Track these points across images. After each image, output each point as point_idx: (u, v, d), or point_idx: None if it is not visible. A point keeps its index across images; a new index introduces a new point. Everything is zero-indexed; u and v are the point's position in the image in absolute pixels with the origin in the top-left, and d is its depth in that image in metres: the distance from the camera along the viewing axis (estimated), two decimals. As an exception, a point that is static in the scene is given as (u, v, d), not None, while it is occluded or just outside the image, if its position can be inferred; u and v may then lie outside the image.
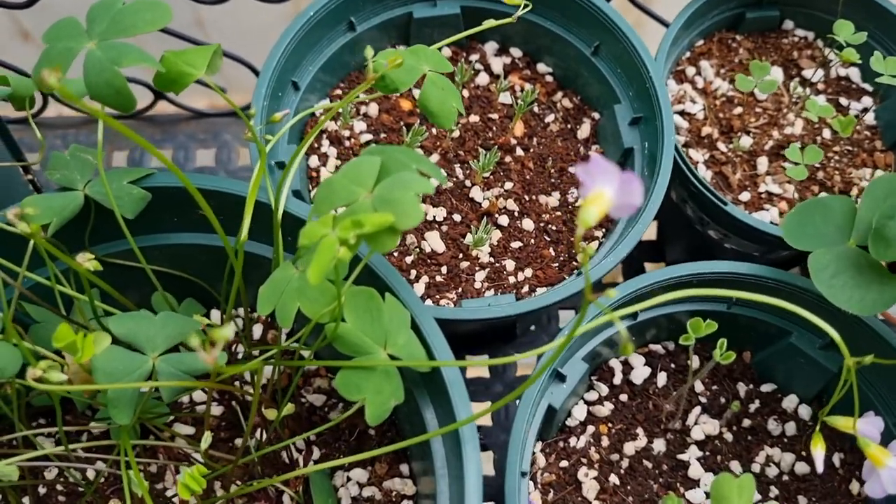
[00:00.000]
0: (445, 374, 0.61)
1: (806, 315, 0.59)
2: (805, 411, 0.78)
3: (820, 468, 0.63)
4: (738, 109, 0.90)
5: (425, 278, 0.78)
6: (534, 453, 0.76)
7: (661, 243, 1.03)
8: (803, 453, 0.77)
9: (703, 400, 0.78)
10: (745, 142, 0.88)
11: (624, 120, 0.81)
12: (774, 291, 0.72)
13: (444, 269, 0.78)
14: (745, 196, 0.86)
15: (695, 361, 0.79)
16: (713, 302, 0.76)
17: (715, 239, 0.88)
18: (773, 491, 0.76)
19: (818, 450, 0.64)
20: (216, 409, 0.77)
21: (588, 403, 0.78)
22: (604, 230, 0.81)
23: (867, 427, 0.64)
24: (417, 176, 0.52)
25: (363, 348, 0.59)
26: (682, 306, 0.75)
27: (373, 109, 0.86)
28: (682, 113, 0.90)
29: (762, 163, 0.87)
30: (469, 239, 0.79)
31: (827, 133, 0.90)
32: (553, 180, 0.83)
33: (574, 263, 0.79)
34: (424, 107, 0.65)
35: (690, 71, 0.92)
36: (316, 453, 0.75)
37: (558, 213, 0.82)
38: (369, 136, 0.84)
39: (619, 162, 0.82)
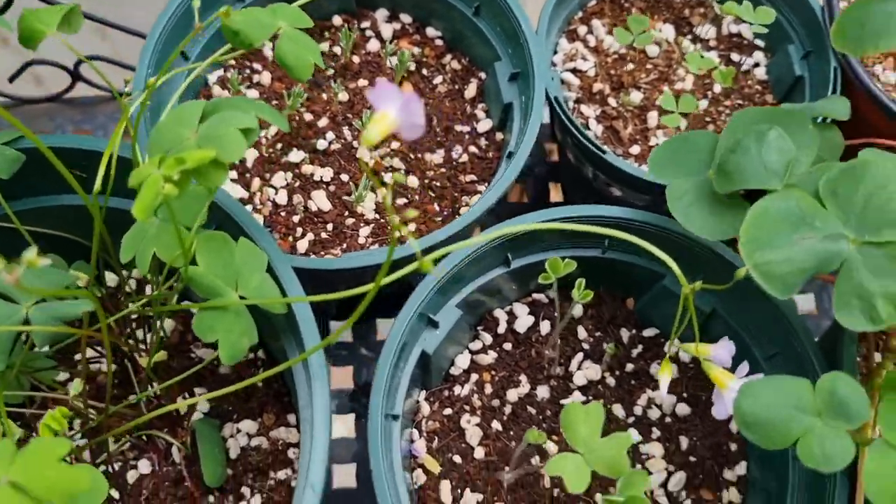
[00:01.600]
0: (297, 314, 0.63)
1: (650, 248, 0.61)
2: (685, 354, 0.80)
3: (664, 391, 0.65)
4: (630, 66, 0.92)
5: (310, 235, 0.80)
6: (418, 402, 0.78)
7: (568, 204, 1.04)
8: (684, 395, 0.78)
9: (586, 346, 0.80)
10: (636, 97, 0.89)
11: (504, 76, 0.83)
12: (644, 234, 0.74)
13: (329, 227, 0.80)
14: (635, 149, 0.88)
15: (577, 309, 0.81)
16: (588, 248, 0.77)
17: (617, 196, 0.90)
18: (656, 432, 0.77)
19: (664, 375, 0.65)
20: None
21: (472, 352, 0.79)
22: (486, 184, 0.83)
23: (720, 352, 0.66)
24: (240, 114, 0.54)
25: (216, 290, 0.61)
26: (557, 252, 0.77)
27: (266, 78, 0.88)
28: (573, 70, 0.92)
29: (652, 117, 0.89)
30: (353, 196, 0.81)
31: (718, 88, 0.92)
32: (439, 139, 0.85)
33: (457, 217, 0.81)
34: (281, 60, 0.67)
35: (582, 30, 0.94)
36: (205, 406, 0.77)
37: (443, 170, 0.83)
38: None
39: (501, 118, 0.84)
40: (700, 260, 0.73)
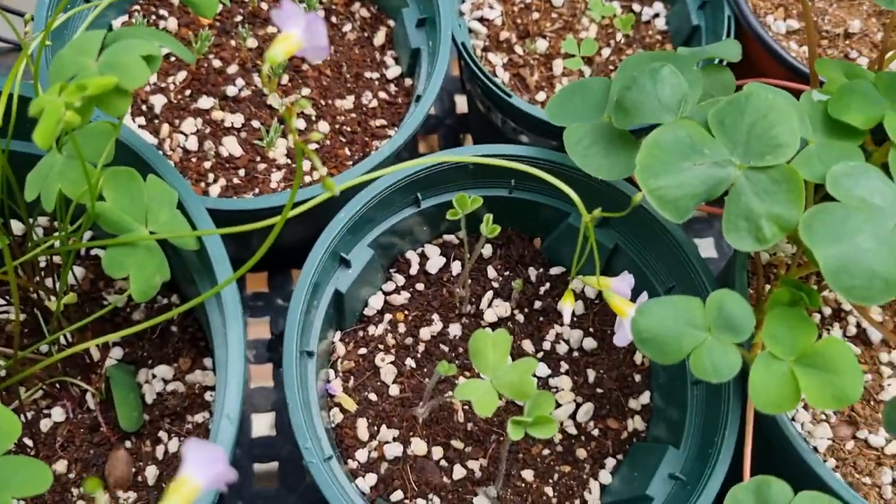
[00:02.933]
0: (210, 251, 0.64)
1: (551, 179, 0.63)
2: (591, 290, 0.83)
3: (566, 321, 0.68)
4: (535, 15, 0.94)
5: (222, 181, 0.80)
6: (333, 343, 0.79)
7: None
8: (591, 330, 0.82)
9: (496, 285, 0.82)
10: (541, 45, 0.92)
11: (411, 22, 0.85)
12: (547, 171, 0.76)
13: (241, 172, 0.81)
14: (541, 96, 0.90)
15: (486, 249, 0.83)
16: (495, 188, 0.79)
17: (526, 144, 0.92)
18: (564, 366, 0.80)
19: (566, 306, 0.68)
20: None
21: (385, 293, 0.81)
22: (396, 129, 0.84)
23: (619, 284, 0.69)
24: (143, 41, 0.54)
25: (125, 226, 0.61)
26: (465, 192, 0.78)
27: (172, 23, 0.87)
28: (480, 19, 0.93)
29: (557, 65, 0.92)
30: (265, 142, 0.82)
31: (620, 37, 0.95)
32: (349, 85, 0.86)
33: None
34: (186, -3, 0.67)
35: (489, -20, 0.96)
36: (118, 352, 0.76)
37: (353, 115, 0.84)
38: (165, 50, 0.85)
39: (410, 64, 0.85)
40: (601, 195, 0.76)
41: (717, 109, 0.61)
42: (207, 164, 0.80)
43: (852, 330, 0.81)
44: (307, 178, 0.81)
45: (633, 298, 0.68)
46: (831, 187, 0.58)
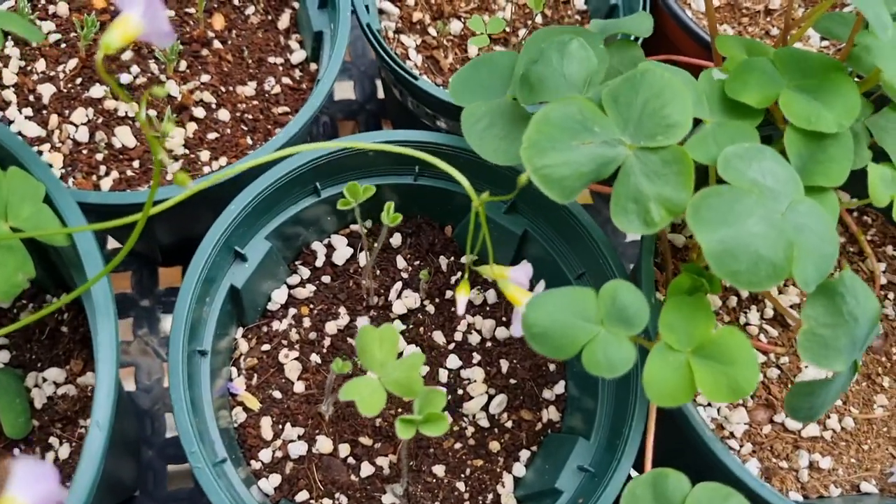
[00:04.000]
0: (79, 246, 0.60)
1: (439, 163, 0.60)
2: (504, 279, 0.80)
3: (461, 311, 0.65)
4: (449, -5, 0.91)
5: (115, 173, 0.77)
6: (235, 339, 0.76)
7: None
8: (503, 319, 0.79)
9: (405, 276, 0.79)
10: (455, 26, 0.89)
11: (313, 4, 0.81)
12: (450, 157, 0.73)
13: (135, 164, 0.77)
14: (455, 79, 0.87)
15: (396, 238, 0.80)
16: (400, 175, 0.77)
17: (444, 130, 0.89)
18: (476, 357, 0.78)
19: (461, 295, 0.66)
20: None
21: (290, 287, 0.78)
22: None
23: (517, 273, 0.66)
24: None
25: (-18, 223, 0.58)
26: (368, 180, 0.76)
27: (63, 9, 0.83)
28: (393, 0, 0.90)
29: (473, 47, 0.89)
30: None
31: (539, 19, 0.92)
32: (251, 71, 0.83)
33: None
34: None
35: (401, -41, 0.93)
36: (5, 356, 0.73)
37: (255, 102, 0.81)
38: (58, 36, 0.82)
39: (314, 47, 0.82)
40: (509, 181, 0.73)
41: (612, 87, 0.59)
42: (99, 156, 0.77)
43: (769, 313, 0.79)
44: (206, 169, 0.78)
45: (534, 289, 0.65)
46: (722, 170, 0.56)
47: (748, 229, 0.54)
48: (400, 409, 0.74)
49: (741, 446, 0.75)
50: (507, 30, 0.87)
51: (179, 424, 0.63)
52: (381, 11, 0.89)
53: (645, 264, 0.68)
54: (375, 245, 0.73)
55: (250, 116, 0.80)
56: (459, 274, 0.80)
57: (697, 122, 0.62)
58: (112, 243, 0.97)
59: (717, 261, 0.53)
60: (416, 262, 0.80)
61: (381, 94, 1.04)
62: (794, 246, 0.54)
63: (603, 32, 0.75)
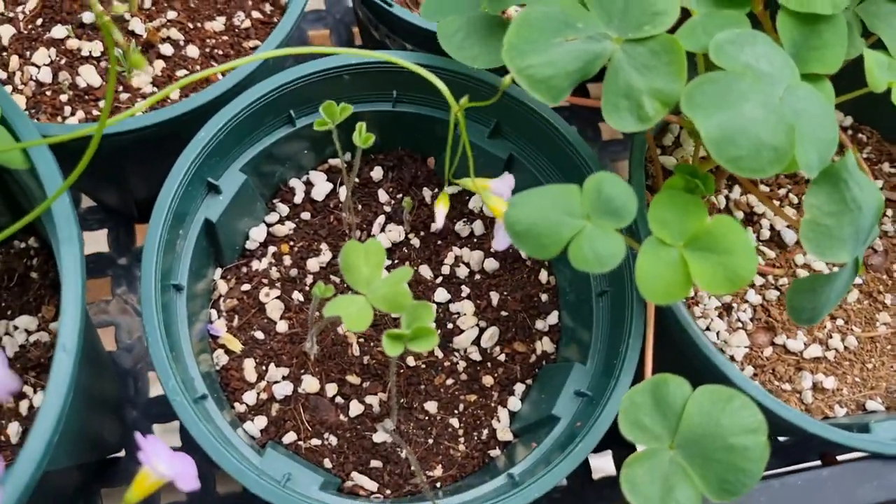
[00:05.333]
0: (40, 170, 0.57)
1: (420, 71, 0.57)
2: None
3: (439, 224, 0.63)
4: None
5: (81, 113, 0.73)
6: (214, 281, 0.73)
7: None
8: (492, 251, 0.76)
9: (388, 209, 0.77)
10: (430, -41, 0.86)
11: (281, -66, 0.78)
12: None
13: (101, 103, 0.74)
14: (431, 12, 0.85)
15: (378, 172, 0.78)
16: (377, 101, 0.74)
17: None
18: (465, 290, 0.75)
19: (440, 207, 0.63)
20: None
21: (269, 225, 0.75)
22: (271, 48, 0.78)
23: (500, 185, 0.64)
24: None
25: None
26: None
27: (21, -51, 0.80)
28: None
29: (448, -22, 0.86)
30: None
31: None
32: (220, 6, 0.79)
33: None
34: None
35: None
36: (-27, 306, 0.70)
37: (225, 38, 0.78)
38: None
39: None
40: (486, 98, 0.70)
41: (591, -19, 0.56)
42: (63, 97, 0.74)
43: (766, 234, 0.77)
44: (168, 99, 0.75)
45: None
46: (714, 55, 0.54)
47: (747, 114, 0.51)
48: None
49: (742, 370, 0.73)
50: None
51: (155, 357, 0.60)
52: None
53: (636, 175, 0.66)
54: (351, 175, 0.70)
55: (220, 52, 0.77)
56: (444, 204, 0.77)
57: (686, 16, 0.59)
58: (86, 201, 0.94)
59: (717, 147, 0.51)
60: (399, 196, 0.77)
61: (358, 42, 1.01)
62: (795, 130, 0.52)
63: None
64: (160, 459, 0.47)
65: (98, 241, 0.92)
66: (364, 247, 0.59)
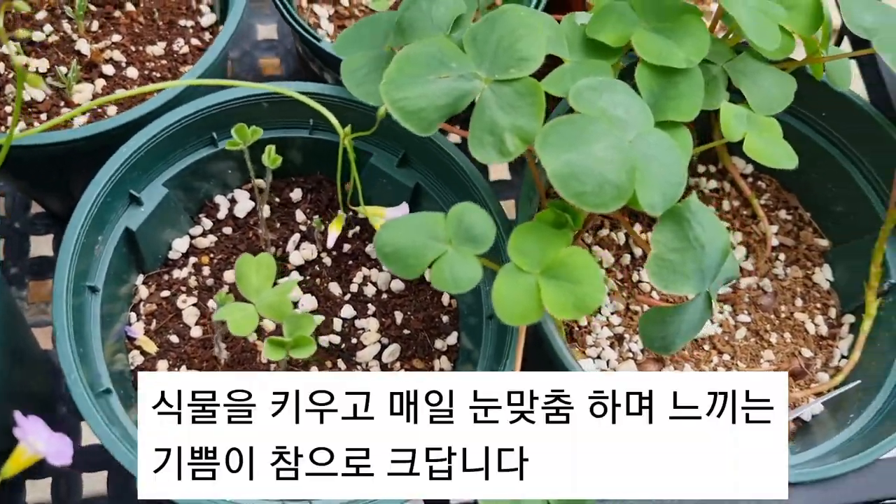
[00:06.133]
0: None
1: (310, 102, 0.63)
2: (401, 233, 0.83)
3: (329, 244, 0.68)
4: (365, -31, 0.95)
5: (22, 124, 0.79)
6: (135, 286, 0.78)
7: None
8: (399, 271, 0.81)
9: (304, 229, 0.82)
10: (368, -4, 0.92)
11: (222, -31, 0.85)
12: (341, 109, 0.75)
13: (43, 117, 0.80)
14: (365, 48, 0.90)
15: (297, 193, 0.83)
16: (295, 128, 0.79)
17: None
18: (371, 308, 0.80)
19: (333, 229, 0.68)
20: None
21: (192, 237, 0.80)
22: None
23: (394, 213, 0.69)
24: None
25: None
26: (266, 134, 0.78)
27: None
28: (307, -29, 0.94)
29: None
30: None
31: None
32: (162, 32, 0.86)
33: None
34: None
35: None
36: None
37: (164, 62, 0.84)
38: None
39: (222, 9, 0.85)
40: (398, 134, 0.75)
41: (473, 27, 0.62)
42: (8, 108, 0.80)
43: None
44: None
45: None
46: (574, 100, 0.59)
47: (594, 153, 0.56)
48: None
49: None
50: None
51: (60, 350, 0.65)
52: (295, -18, 0.93)
53: (523, 207, 0.71)
54: (263, 196, 0.75)
55: (158, 75, 0.83)
56: (358, 227, 0.82)
57: (560, 62, 0.65)
58: (35, 207, 1.00)
59: (563, 182, 0.56)
60: (315, 217, 0.82)
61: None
62: (641, 171, 0.57)
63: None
64: (38, 437, 0.51)
65: (44, 245, 0.98)
66: (256, 260, 0.64)
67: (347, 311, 0.79)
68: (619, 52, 0.64)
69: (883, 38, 0.64)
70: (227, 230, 0.81)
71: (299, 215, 0.82)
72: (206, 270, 0.79)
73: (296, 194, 0.83)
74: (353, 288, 0.80)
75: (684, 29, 0.63)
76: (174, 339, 0.76)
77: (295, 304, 0.78)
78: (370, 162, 0.79)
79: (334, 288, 0.80)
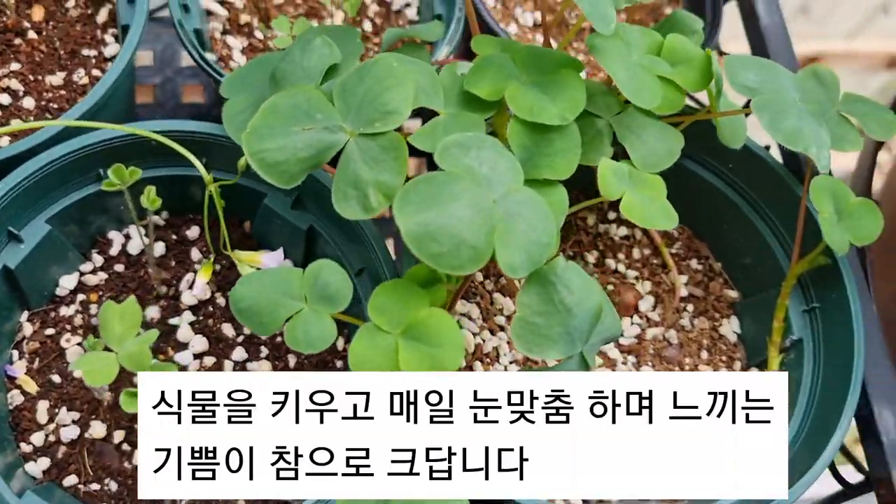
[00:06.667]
0: None
1: (183, 152, 0.61)
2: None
3: (197, 291, 0.66)
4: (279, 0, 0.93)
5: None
6: (20, 323, 0.77)
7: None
8: (294, 314, 0.80)
9: (198, 268, 0.80)
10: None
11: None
12: (229, 150, 0.73)
13: (-64, 145, 0.78)
14: (277, 82, 0.89)
15: (194, 231, 0.81)
16: (181, 167, 0.77)
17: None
18: (264, 350, 0.78)
19: (200, 276, 0.66)
20: None
21: (81, 274, 0.79)
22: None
23: (270, 259, 0.67)
24: None
25: None
26: (153, 171, 0.76)
27: None
28: (221, 1, 0.92)
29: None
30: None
31: (368, 26, 0.94)
32: (63, 62, 0.84)
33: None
34: None
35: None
36: None
37: (62, 93, 0.83)
38: None
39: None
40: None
41: (343, 77, 0.60)
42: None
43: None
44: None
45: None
46: (439, 157, 0.57)
47: (453, 213, 0.55)
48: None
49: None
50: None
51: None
52: (208, 12, 0.91)
53: (405, 261, 0.69)
54: (149, 233, 0.73)
55: (56, 106, 0.82)
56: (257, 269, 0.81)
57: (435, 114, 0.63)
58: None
59: (418, 243, 0.54)
60: (211, 256, 0.81)
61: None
62: (503, 231, 0.56)
63: (395, 37, 0.76)
64: None
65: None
66: (121, 307, 0.63)
67: (239, 353, 0.77)
68: (495, 106, 0.62)
69: (761, 100, 0.63)
70: (119, 267, 0.79)
71: (195, 254, 0.80)
72: (93, 309, 0.77)
73: (193, 231, 0.81)
74: (247, 330, 0.79)
75: (561, 84, 0.61)
76: (56, 378, 0.75)
77: (185, 346, 0.77)
78: (264, 203, 0.78)
79: (227, 329, 0.78)
